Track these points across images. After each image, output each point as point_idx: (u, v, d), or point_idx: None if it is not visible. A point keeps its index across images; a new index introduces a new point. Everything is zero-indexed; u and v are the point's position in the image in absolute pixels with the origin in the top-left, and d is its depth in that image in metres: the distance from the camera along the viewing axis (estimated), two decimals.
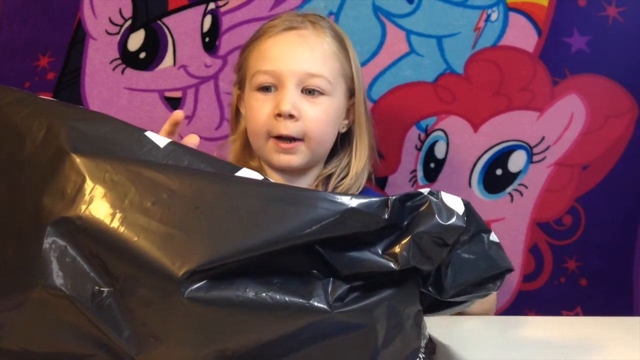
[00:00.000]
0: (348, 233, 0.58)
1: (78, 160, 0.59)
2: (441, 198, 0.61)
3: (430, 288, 0.62)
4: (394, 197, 0.59)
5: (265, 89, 1.10)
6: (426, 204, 0.60)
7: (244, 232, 0.56)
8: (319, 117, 1.09)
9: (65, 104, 0.70)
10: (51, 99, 0.72)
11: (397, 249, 0.59)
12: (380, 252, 0.59)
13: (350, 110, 1.18)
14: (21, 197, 0.60)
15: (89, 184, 0.58)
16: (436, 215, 0.59)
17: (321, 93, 1.10)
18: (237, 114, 1.21)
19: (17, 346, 0.59)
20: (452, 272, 0.62)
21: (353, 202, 0.57)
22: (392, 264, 0.58)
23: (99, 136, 0.63)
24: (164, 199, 0.57)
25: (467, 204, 0.63)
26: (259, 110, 1.10)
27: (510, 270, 0.66)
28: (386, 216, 0.58)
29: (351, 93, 1.16)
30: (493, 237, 0.65)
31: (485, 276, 0.64)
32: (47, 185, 0.59)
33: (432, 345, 0.67)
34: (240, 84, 1.18)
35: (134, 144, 0.63)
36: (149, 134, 0.65)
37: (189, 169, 0.61)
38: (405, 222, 0.60)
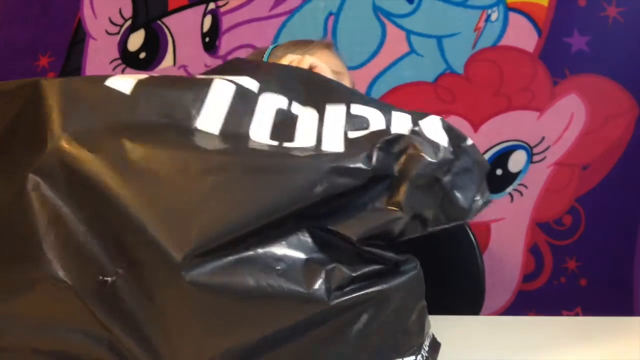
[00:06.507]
0: (338, 192, 0.57)
1: (59, 152, 0.58)
2: (424, 134, 0.61)
3: (455, 218, 0.63)
4: (375, 146, 0.58)
5: None
6: (412, 146, 0.60)
7: (232, 207, 0.55)
8: None
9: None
10: None
11: (397, 198, 0.59)
12: (382, 205, 0.59)
13: None
14: (14, 194, 0.60)
15: (77, 175, 0.57)
16: (425, 155, 0.59)
17: None
18: None
19: (20, 343, 0.59)
20: (460, 191, 0.62)
21: (335, 161, 0.57)
22: (398, 213, 0.58)
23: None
24: (152, 180, 0.56)
25: (446, 128, 0.63)
26: None
27: (488, 165, 0.66)
28: (370, 167, 0.58)
29: None
30: (469, 141, 0.65)
31: (482, 181, 0.65)
32: (35, 180, 0.58)
33: (436, 345, 0.67)
34: None
35: (103, 100, 0.60)
36: (110, 81, 0.60)
37: (168, 139, 0.60)
38: (395, 167, 0.59)
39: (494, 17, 1.36)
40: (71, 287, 0.56)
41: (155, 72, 1.42)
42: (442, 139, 0.62)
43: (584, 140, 1.37)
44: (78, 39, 1.43)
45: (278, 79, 0.68)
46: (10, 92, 0.61)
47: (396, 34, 1.38)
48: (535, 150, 1.39)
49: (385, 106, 0.66)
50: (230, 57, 1.40)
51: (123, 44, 1.42)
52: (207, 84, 0.63)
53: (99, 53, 1.43)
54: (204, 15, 1.41)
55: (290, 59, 0.91)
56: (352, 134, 0.62)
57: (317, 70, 0.90)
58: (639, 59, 1.35)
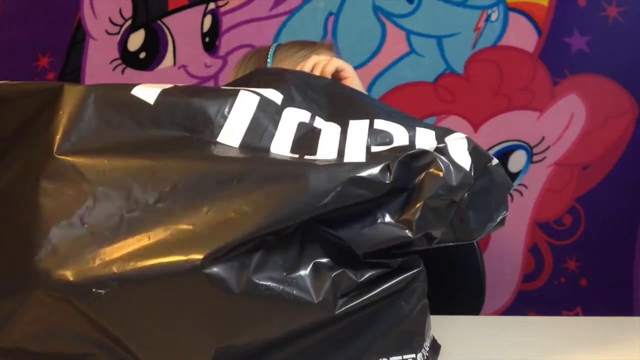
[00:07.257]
0: (354, 203, 0.56)
1: (71, 159, 0.58)
2: (449, 154, 0.60)
3: (464, 239, 0.62)
4: (396, 160, 0.57)
5: None
6: (434, 164, 0.58)
7: (247, 214, 0.55)
8: None
9: None
10: None
11: (409, 216, 0.57)
12: (393, 220, 0.58)
13: None
14: (18, 199, 0.59)
15: (88, 183, 0.57)
16: (445, 176, 0.58)
17: None
18: None
19: (16, 345, 0.58)
20: (474, 212, 0.61)
21: (353, 171, 0.56)
22: (407, 232, 0.57)
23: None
24: (167, 192, 0.56)
25: (471, 149, 0.61)
26: None
27: (511, 186, 0.66)
28: (389, 180, 0.57)
29: None
30: (494, 161, 0.64)
31: (501, 203, 0.63)
32: (42, 186, 0.58)
33: (437, 346, 0.67)
34: None
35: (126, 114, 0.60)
36: (137, 90, 0.61)
37: (186, 152, 0.60)
38: (413, 183, 0.58)
39: (494, 17, 1.36)
40: (67, 297, 0.55)
41: (156, 72, 1.42)
42: (465, 161, 0.60)
43: (584, 140, 1.37)
44: (78, 39, 1.43)
45: (301, 90, 0.67)
46: (32, 92, 0.61)
47: (396, 34, 1.38)
48: (535, 150, 1.39)
49: (409, 120, 0.65)
50: (230, 57, 1.40)
51: (123, 44, 1.42)
52: (233, 95, 0.62)
53: (99, 53, 1.43)
54: (204, 15, 1.41)
55: (315, 60, 0.89)
56: (375, 148, 0.61)
57: (343, 73, 0.89)
58: (639, 59, 1.35)
